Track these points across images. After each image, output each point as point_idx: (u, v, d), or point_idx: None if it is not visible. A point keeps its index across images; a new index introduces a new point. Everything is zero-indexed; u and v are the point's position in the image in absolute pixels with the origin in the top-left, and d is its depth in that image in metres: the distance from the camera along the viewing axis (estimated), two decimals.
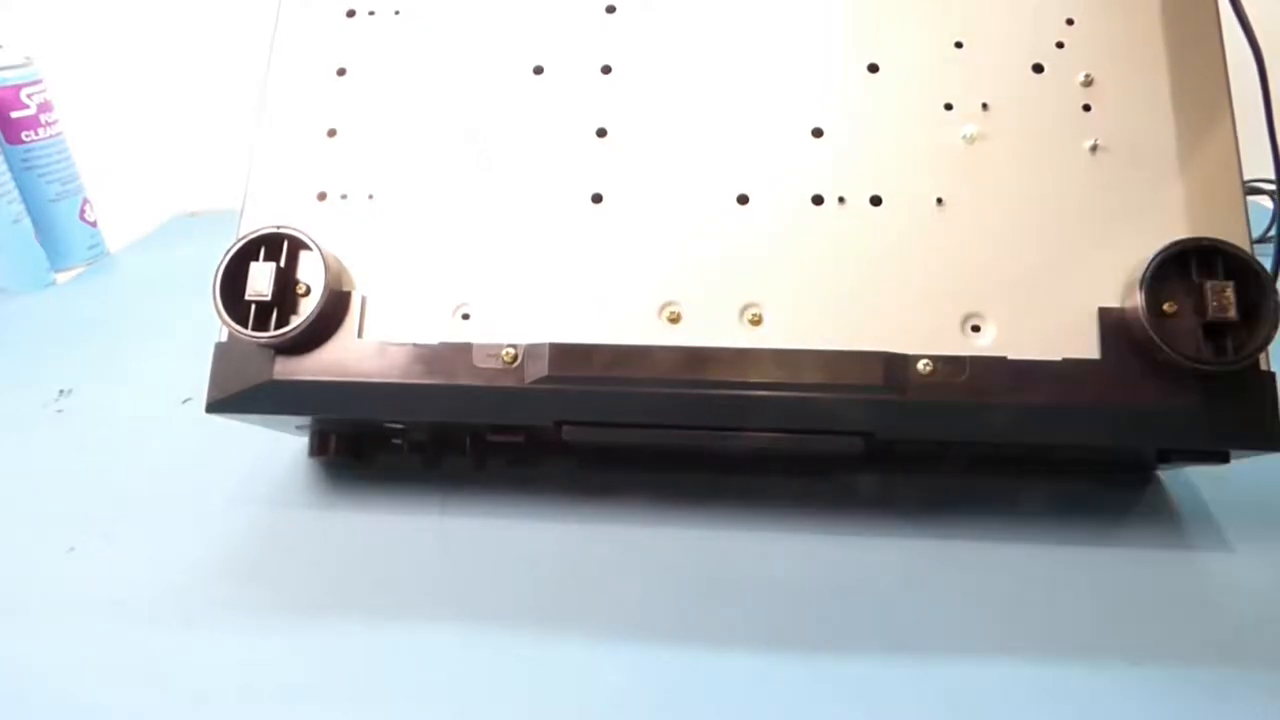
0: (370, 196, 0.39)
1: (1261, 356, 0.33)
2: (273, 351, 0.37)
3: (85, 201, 0.74)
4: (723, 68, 0.39)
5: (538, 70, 0.40)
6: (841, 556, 0.38)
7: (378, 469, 0.45)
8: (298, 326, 0.37)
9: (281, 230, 0.37)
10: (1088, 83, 0.37)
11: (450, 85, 0.40)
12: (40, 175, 0.70)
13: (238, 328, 0.36)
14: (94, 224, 0.75)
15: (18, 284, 0.69)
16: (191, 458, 0.45)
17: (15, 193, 0.68)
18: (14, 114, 0.68)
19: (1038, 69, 0.37)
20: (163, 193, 0.88)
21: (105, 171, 0.79)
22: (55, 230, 0.72)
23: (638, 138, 0.39)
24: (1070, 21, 0.38)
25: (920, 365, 0.34)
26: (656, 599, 0.37)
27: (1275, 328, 0.32)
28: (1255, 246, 0.70)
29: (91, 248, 0.75)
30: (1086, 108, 0.37)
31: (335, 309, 0.37)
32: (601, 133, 0.39)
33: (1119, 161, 0.36)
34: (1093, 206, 0.36)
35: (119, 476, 0.45)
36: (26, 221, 0.69)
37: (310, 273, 0.37)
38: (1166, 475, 0.42)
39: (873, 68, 0.38)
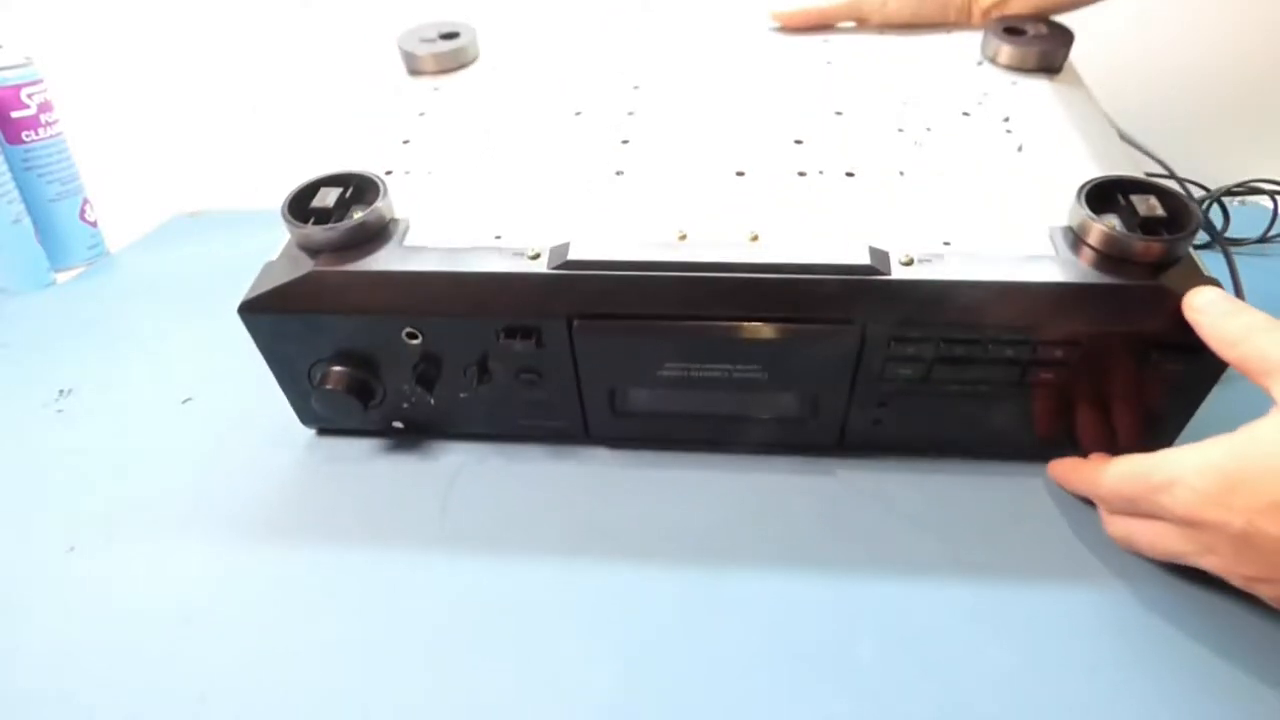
0: (429, 172, 0.46)
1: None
2: (317, 260, 0.40)
3: (85, 201, 0.74)
4: (724, 112, 0.50)
5: (578, 113, 0.51)
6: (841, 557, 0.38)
7: (380, 470, 0.45)
8: (348, 223, 0.40)
9: (349, 172, 0.42)
10: (1005, 119, 0.48)
11: (513, 122, 0.50)
12: (40, 175, 0.70)
13: (294, 220, 0.40)
14: (94, 224, 0.75)
15: (18, 284, 0.69)
16: (191, 458, 0.45)
17: (15, 193, 0.68)
18: (14, 114, 0.67)
19: (966, 114, 0.49)
20: (163, 193, 0.87)
21: (105, 171, 0.79)
22: (55, 230, 0.72)
23: (653, 137, 0.48)
24: (986, 94, 0.51)
25: (900, 256, 0.38)
26: (657, 596, 0.37)
27: (1199, 214, 0.37)
28: (1257, 246, 0.70)
29: (91, 248, 0.75)
30: (1009, 132, 0.47)
31: (382, 226, 0.41)
32: (625, 142, 0.48)
33: (1040, 154, 0.45)
34: (1028, 177, 0.44)
35: (119, 476, 0.45)
36: (26, 221, 0.69)
37: (369, 207, 0.41)
38: None
39: (838, 113, 0.49)
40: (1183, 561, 0.34)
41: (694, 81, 0.53)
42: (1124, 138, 0.50)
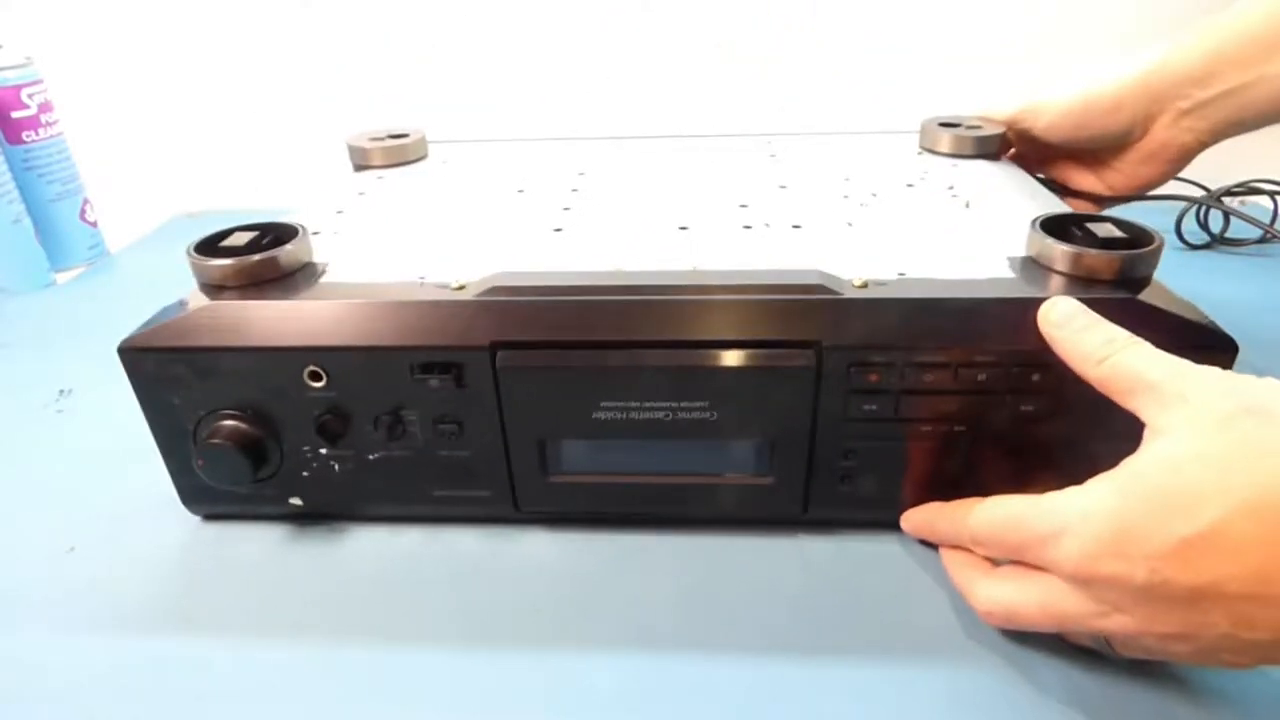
0: (359, 233, 0.44)
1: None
2: (219, 296, 0.37)
3: (85, 201, 0.74)
4: (668, 185, 0.51)
5: (520, 191, 0.51)
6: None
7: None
8: (256, 255, 0.37)
9: (268, 222, 0.40)
10: (950, 187, 0.49)
11: (454, 199, 0.50)
12: (40, 175, 0.70)
13: (198, 255, 0.37)
14: (94, 224, 0.75)
15: (18, 284, 0.69)
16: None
17: (15, 193, 0.68)
18: (14, 114, 0.68)
19: (910, 185, 0.50)
20: (163, 193, 0.88)
21: (105, 171, 0.79)
22: (55, 230, 0.72)
23: (595, 202, 0.48)
24: (928, 171, 0.53)
25: (853, 280, 0.36)
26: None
27: (1159, 235, 0.36)
28: (1258, 246, 0.71)
29: (91, 248, 0.75)
30: (954, 195, 0.48)
31: (297, 267, 0.39)
32: (566, 209, 0.47)
33: (988, 208, 0.46)
34: (977, 224, 0.44)
35: (119, 476, 0.45)
36: (27, 221, 0.69)
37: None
38: None
39: (783, 186, 0.50)
40: (1081, 628, 0.29)
41: (639, 166, 0.55)
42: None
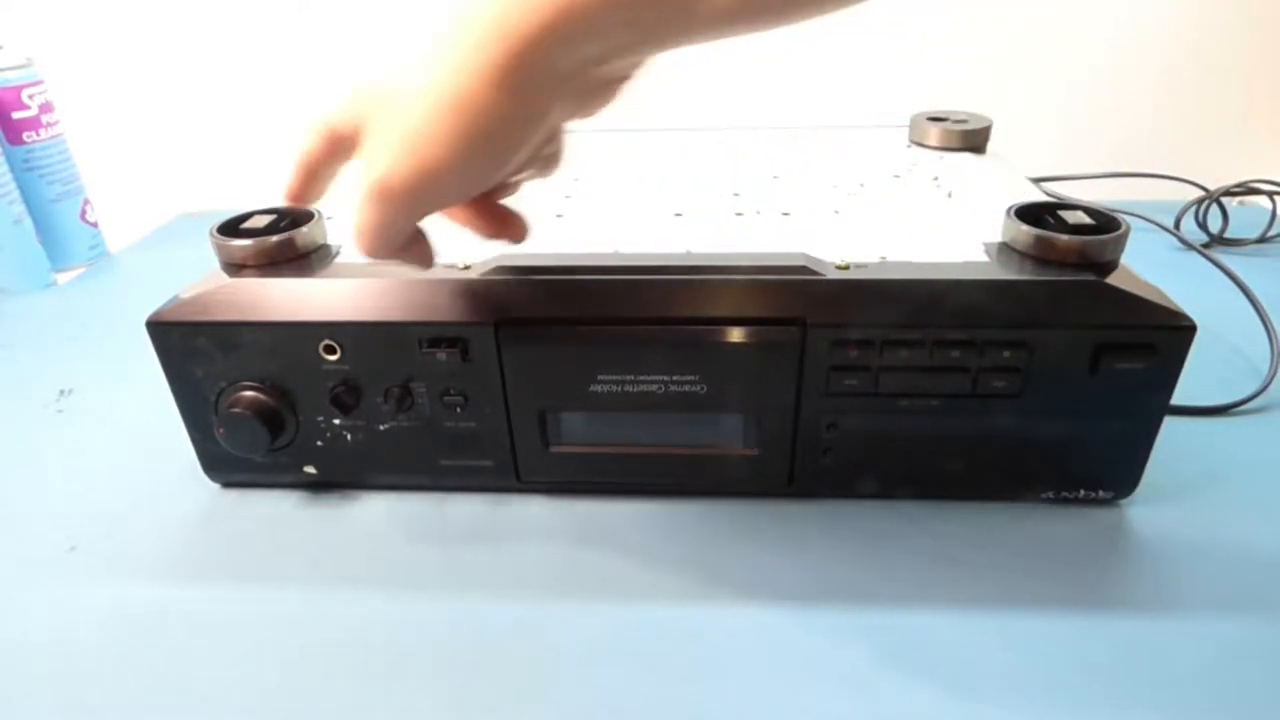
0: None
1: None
2: (239, 275, 0.39)
3: (86, 202, 0.74)
4: (665, 177, 0.53)
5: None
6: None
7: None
8: (275, 236, 0.39)
9: (285, 207, 0.41)
10: (935, 178, 0.51)
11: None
12: (41, 176, 0.70)
13: (221, 236, 0.39)
14: (95, 224, 0.75)
15: (18, 284, 0.69)
16: (192, 457, 0.45)
17: (16, 193, 0.68)
18: (15, 115, 0.68)
19: (897, 176, 0.52)
20: (163, 193, 0.88)
21: (105, 171, 0.79)
22: (56, 230, 0.72)
23: (595, 191, 0.50)
24: (915, 163, 0.55)
25: (836, 262, 0.38)
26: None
27: (1127, 223, 0.38)
28: (1257, 246, 0.70)
29: (92, 248, 0.75)
30: (938, 185, 0.50)
31: (312, 248, 0.41)
32: (567, 197, 0.49)
33: (969, 199, 0.47)
34: (958, 213, 0.45)
35: (119, 476, 0.45)
36: (27, 222, 0.69)
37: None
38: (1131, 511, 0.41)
39: (775, 176, 0.52)
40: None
41: (639, 158, 0.57)
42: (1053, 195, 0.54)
